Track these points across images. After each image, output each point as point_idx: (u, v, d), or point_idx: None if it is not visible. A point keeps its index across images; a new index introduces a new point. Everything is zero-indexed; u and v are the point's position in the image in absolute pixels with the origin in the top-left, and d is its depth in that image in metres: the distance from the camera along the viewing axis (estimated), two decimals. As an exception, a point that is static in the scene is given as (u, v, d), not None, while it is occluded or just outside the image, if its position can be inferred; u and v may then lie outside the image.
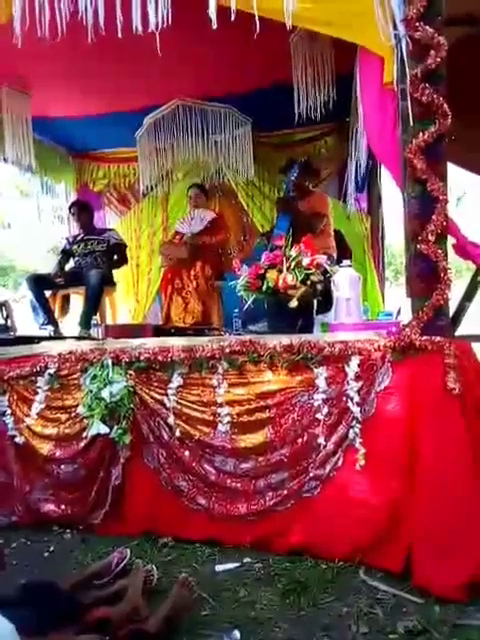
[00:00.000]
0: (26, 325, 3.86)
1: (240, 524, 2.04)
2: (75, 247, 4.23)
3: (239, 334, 2.65)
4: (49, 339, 3.05)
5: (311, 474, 1.96)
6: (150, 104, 4.08)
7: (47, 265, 4.59)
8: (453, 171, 2.06)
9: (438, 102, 1.79)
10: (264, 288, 2.34)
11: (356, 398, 1.90)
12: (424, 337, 1.82)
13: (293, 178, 3.48)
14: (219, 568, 1.91)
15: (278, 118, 3.85)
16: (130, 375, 2.23)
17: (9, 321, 3.13)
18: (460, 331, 1.99)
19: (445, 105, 1.79)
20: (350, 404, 1.90)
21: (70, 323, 4.09)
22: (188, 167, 4.68)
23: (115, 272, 4.37)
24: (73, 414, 2.30)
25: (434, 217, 1.81)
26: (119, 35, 1.91)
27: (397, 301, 2.71)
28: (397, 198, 1.98)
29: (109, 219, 5.24)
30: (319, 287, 2.34)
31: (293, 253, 2.34)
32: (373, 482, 1.85)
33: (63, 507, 2.30)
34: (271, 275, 2.33)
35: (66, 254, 4.29)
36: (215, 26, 1.86)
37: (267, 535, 2.01)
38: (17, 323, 3.20)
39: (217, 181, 4.66)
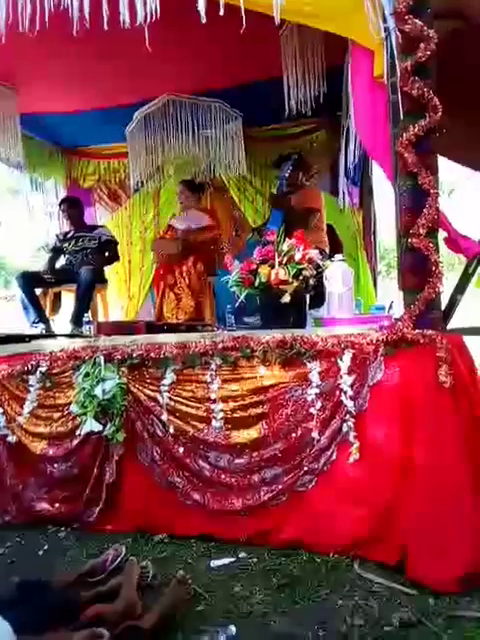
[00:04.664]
0: (17, 323, 3.84)
1: (235, 519, 2.04)
2: (66, 244, 4.20)
3: (232, 330, 2.64)
4: (40, 337, 3.03)
5: (305, 468, 1.96)
6: (140, 99, 4.05)
7: (37, 263, 4.56)
8: (444, 164, 2.06)
9: (428, 95, 1.79)
10: (256, 283, 2.34)
11: (349, 392, 1.90)
12: (416, 331, 1.83)
13: (286, 174, 3.47)
14: (214, 563, 1.91)
15: (269, 113, 3.84)
16: (123, 372, 2.22)
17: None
18: (452, 324, 1.99)
19: (435, 98, 1.79)
20: (343, 398, 1.90)
21: (61, 321, 4.07)
22: (179, 162, 4.65)
23: (106, 269, 4.35)
24: (66, 412, 2.29)
25: (425, 210, 1.81)
26: (105, 28, 1.89)
27: (390, 295, 2.71)
28: (389, 192, 1.98)
29: (100, 215, 5.20)
30: (311, 282, 2.33)
31: (285, 248, 2.33)
32: (367, 476, 1.86)
33: (57, 505, 2.29)
34: (263, 270, 2.32)
35: (57, 251, 4.25)
36: (204, 20, 1.85)
37: (262, 530, 2.01)
38: (4, 321, 3.18)
39: (208, 176, 4.64)
